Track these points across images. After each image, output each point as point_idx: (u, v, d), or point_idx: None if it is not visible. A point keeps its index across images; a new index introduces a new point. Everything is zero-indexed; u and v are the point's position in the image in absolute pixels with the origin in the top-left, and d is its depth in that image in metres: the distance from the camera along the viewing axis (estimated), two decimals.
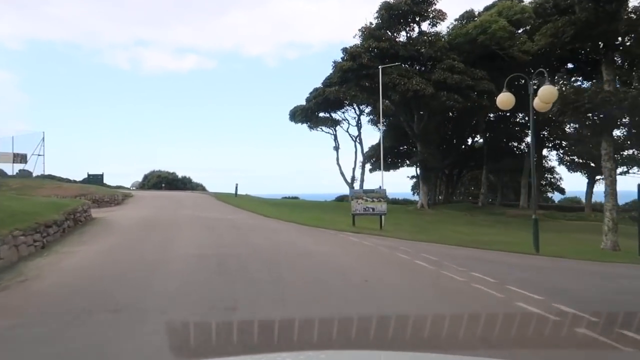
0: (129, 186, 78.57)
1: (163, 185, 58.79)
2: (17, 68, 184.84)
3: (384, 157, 53.56)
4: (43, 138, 35.63)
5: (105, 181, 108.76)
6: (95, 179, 42.83)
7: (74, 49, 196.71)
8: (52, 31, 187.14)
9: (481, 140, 49.64)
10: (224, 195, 44.32)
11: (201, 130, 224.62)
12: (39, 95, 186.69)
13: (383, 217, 21.31)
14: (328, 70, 45.98)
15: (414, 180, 63.05)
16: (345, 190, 55.76)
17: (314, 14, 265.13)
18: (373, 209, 21.27)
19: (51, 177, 38.02)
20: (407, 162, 53.54)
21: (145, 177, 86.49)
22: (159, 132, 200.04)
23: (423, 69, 37.56)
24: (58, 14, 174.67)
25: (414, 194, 68.03)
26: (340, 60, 36.75)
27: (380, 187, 23.62)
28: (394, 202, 63.11)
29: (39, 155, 35.62)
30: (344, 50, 35.95)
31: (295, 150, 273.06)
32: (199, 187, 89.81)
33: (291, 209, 32.67)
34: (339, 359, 2.50)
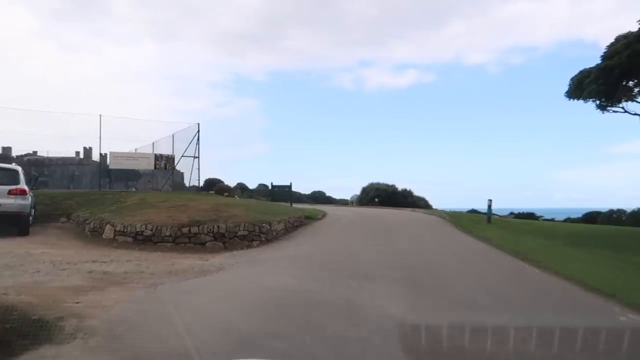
0: (348, 199, 65.97)
1: (376, 200, 43.92)
2: (260, 96, 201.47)
3: None
4: (197, 133, 23.08)
5: (330, 194, 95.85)
6: (280, 193, 29.27)
7: (305, 75, 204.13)
8: (288, 62, 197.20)
9: None
10: (461, 216, 26.47)
11: (421, 143, 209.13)
12: (276, 119, 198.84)
13: None
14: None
15: None
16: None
17: (539, 14, 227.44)
18: None
19: (217, 185, 25.50)
20: None
21: (364, 190, 74.97)
22: (380, 147, 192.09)
23: None
24: (293, 46, 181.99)
25: None
26: None
27: None
28: None
29: (194, 157, 23.25)
30: None
31: (519, 160, 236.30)
32: (420, 202, 73.78)
33: None
34: None
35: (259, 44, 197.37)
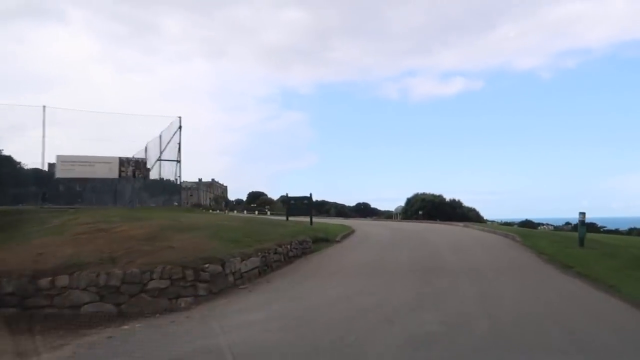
0: (393, 210, 63.17)
1: (420, 212, 36.87)
2: (308, 109, 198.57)
3: None
4: (179, 130, 17.21)
5: (375, 206, 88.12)
6: (298, 206, 22.91)
7: (351, 86, 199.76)
8: (334, 74, 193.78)
9: None
10: (533, 235, 19.32)
11: (470, 152, 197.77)
12: (324, 130, 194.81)
13: None
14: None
15: None
16: None
17: (593, 15, 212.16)
18: None
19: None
20: None
21: (409, 201, 68.56)
22: (428, 157, 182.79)
23: None
24: (339, 58, 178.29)
25: None
26: None
27: None
28: None
29: (176, 161, 17.40)
30: None
31: (574, 167, 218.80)
32: (471, 213, 66.18)
33: None
34: None
35: (305, 57, 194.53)
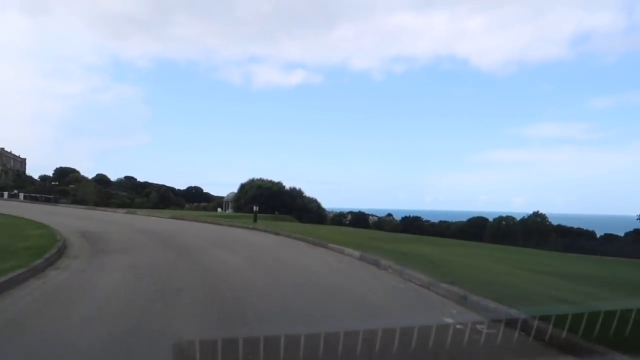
0: (224, 195, 56.43)
1: (256, 208, 23.33)
2: (143, 84, 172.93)
3: None
4: None
5: (208, 191, 73.01)
6: None
7: (192, 65, 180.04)
8: (174, 50, 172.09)
9: None
10: None
11: (309, 142, 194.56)
12: (160, 109, 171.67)
13: None
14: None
15: None
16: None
17: (420, 27, 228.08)
18: None
19: None
20: None
21: (242, 187, 55.20)
22: (267, 144, 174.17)
23: None
24: (181, 34, 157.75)
25: None
26: None
27: None
28: None
29: None
30: None
31: (403, 163, 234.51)
32: (312, 204, 56.50)
33: None
34: None
35: (144, 28, 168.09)
